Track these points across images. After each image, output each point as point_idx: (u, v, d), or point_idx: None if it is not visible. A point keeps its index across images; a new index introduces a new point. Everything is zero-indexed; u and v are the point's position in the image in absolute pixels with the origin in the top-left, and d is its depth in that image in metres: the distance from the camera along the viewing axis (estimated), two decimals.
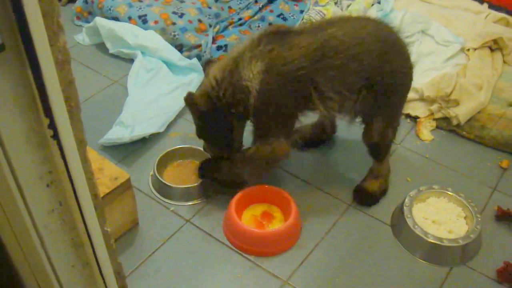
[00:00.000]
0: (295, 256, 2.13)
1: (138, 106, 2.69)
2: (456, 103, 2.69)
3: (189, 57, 3.02)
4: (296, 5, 3.47)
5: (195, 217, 2.26)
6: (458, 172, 2.51)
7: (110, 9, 3.20)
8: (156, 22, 3.10)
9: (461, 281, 2.06)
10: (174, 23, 3.11)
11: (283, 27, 2.10)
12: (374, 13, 3.31)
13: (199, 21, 3.20)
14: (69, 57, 0.97)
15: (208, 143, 2.32)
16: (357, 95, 2.06)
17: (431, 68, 2.97)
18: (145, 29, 3.09)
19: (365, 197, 2.34)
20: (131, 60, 3.04)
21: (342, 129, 2.62)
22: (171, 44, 3.05)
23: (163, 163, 2.42)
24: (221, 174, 2.28)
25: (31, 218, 1.05)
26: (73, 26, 3.38)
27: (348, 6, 3.42)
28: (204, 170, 2.32)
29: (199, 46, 3.06)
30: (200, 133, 2.25)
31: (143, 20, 3.12)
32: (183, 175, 2.41)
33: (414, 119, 2.79)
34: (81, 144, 1.06)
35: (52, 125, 0.96)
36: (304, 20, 3.32)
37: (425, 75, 2.90)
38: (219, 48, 3.03)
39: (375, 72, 2.03)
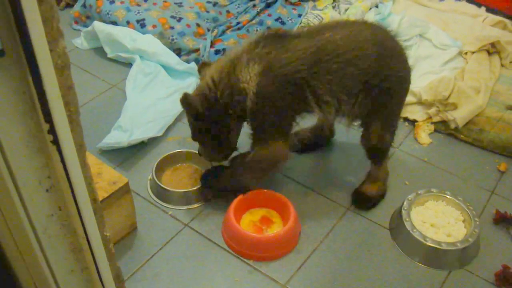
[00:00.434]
0: (294, 260, 2.13)
1: (136, 110, 2.69)
2: (454, 106, 2.70)
3: (187, 61, 3.02)
4: (294, 9, 3.48)
5: (194, 221, 2.26)
6: (456, 176, 2.51)
7: (108, 14, 3.21)
8: (154, 26, 3.11)
9: (460, 285, 2.06)
10: (172, 27, 3.12)
11: (281, 30, 2.10)
12: (372, 16, 3.31)
13: (197, 25, 3.20)
14: (68, 62, 0.97)
15: (203, 146, 2.30)
16: (355, 99, 2.06)
17: (429, 72, 2.98)
18: (143, 33, 3.09)
19: (364, 201, 2.34)
20: (129, 64, 3.04)
21: (341, 132, 2.63)
22: (169, 48, 3.05)
23: (161, 167, 2.41)
24: (224, 182, 2.28)
25: (30, 222, 1.05)
26: (71, 31, 3.38)
27: (346, 10, 3.43)
28: (207, 180, 2.31)
29: (197, 50, 3.06)
30: (196, 135, 2.24)
31: (141, 24, 3.13)
32: (181, 179, 2.41)
33: (412, 122, 2.79)
34: (81, 149, 1.07)
35: (52, 130, 0.96)
36: (302, 24, 3.32)
37: (423, 79, 2.91)
38: (217, 52, 3.03)
39: (372, 76, 2.03)
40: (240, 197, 2.21)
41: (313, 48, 1.98)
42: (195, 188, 2.32)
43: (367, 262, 2.13)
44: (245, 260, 2.12)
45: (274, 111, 2.03)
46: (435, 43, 3.17)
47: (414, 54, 3.07)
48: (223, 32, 3.23)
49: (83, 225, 1.14)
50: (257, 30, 3.26)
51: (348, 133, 2.50)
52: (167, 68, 2.98)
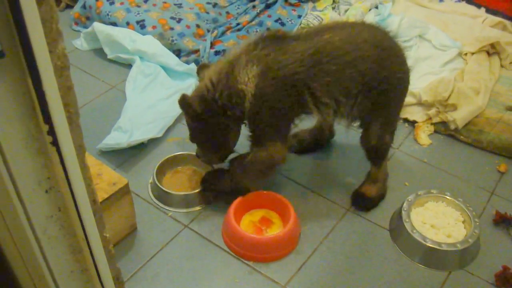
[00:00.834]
0: (293, 261, 2.13)
1: (136, 111, 2.69)
2: (454, 107, 2.70)
3: (187, 62, 3.02)
4: (294, 10, 3.48)
5: (194, 222, 2.26)
6: (456, 177, 2.51)
7: (108, 15, 3.21)
8: (154, 27, 3.11)
9: (460, 286, 2.06)
10: (172, 28, 3.12)
11: (280, 31, 2.10)
12: (371, 18, 3.31)
13: (197, 26, 3.21)
14: (68, 64, 0.97)
15: (201, 147, 2.31)
16: (354, 100, 2.06)
17: (428, 73, 2.98)
18: (143, 34, 3.09)
19: (363, 202, 2.34)
20: (129, 65, 3.04)
21: (340, 133, 2.63)
22: (169, 49, 3.06)
23: (161, 170, 2.41)
24: (224, 184, 2.28)
25: (30, 223, 1.05)
26: (71, 32, 3.38)
27: (346, 11, 3.43)
28: (207, 183, 2.31)
29: (197, 51, 3.06)
30: (194, 137, 2.24)
31: (141, 25, 3.13)
32: (182, 182, 2.41)
33: (412, 123, 2.79)
34: (80, 150, 1.06)
35: (52, 132, 0.96)
36: (302, 25, 3.33)
37: (423, 80, 2.91)
38: (217, 53, 3.04)
39: (371, 77, 2.03)
40: (240, 198, 2.21)
41: (311, 49, 1.98)
42: (196, 191, 2.32)
43: (367, 263, 2.13)
44: (245, 261, 2.12)
45: (272, 113, 2.03)
46: (435, 44, 3.17)
47: (414, 55, 3.07)
48: (223, 33, 3.24)
49: (82, 226, 1.14)
50: (257, 31, 3.26)
51: (347, 134, 2.50)
52: (167, 69, 2.98)
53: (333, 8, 3.49)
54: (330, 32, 2.04)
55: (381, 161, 2.29)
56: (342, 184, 2.45)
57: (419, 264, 2.12)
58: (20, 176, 0.99)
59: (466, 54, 3.09)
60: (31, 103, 0.93)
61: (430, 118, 2.75)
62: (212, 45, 3.10)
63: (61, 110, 0.95)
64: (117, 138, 2.53)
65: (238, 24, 3.31)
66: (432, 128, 2.75)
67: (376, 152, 2.25)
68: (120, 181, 2.02)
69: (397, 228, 2.21)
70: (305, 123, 2.34)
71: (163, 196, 2.32)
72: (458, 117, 2.65)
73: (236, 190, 2.24)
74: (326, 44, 2.00)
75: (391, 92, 2.11)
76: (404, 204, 2.22)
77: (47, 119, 0.94)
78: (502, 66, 3.08)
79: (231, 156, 2.35)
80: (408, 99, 2.79)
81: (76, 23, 3.42)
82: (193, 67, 2.96)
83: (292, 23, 3.36)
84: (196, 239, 2.20)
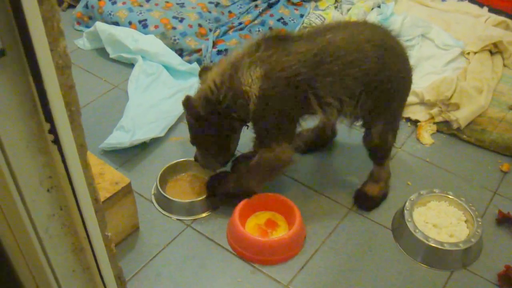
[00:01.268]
0: (296, 261, 2.12)
1: (138, 110, 2.69)
2: (457, 106, 2.69)
3: (190, 62, 3.02)
4: (296, 10, 3.48)
5: (196, 222, 2.25)
6: (458, 176, 2.51)
7: (110, 14, 3.21)
8: (156, 26, 3.11)
9: (462, 285, 2.06)
10: (174, 28, 3.12)
11: (282, 32, 2.10)
12: (374, 17, 3.31)
13: (200, 25, 3.20)
14: (69, 62, 0.97)
15: (201, 151, 2.29)
16: (356, 100, 2.06)
17: (431, 72, 2.98)
18: (146, 33, 3.09)
19: (366, 201, 2.34)
20: (131, 65, 3.04)
21: (343, 132, 2.62)
22: (172, 48, 3.06)
23: (163, 178, 2.37)
24: (229, 187, 2.27)
25: (31, 222, 1.05)
26: (73, 31, 3.38)
27: (348, 10, 3.42)
28: (212, 186, 2.30)
29: (200, 50, 3.06)
30: (195, 139, 2.23)
31: (143, 25, 3.13)
32: (185, 189, 2.38)
33: (415, 123, 2.79)
34: (82, 148, 1.06)
35: (53, 130, 0.96)
36: (305, 25, 3.32)
37: (425, 79, 2.90)
38: (219, 52, 3.03)
39: (373, 77, 2.03)
40: (245, 200, 2.20)
41: (314, 50, 1.98)
42: (202, 197, 2.29)
43: (369, 262, 2.13)
44: (248, 260, 2.12)
45: (277, 114, 2.03)
46: (438, 43, 3.16)
47: (416, 55, 3.06)
48: (225, 32, 3.23)
49: (84, 225, 1.14)
50: (259, 31, 3.26)
51: (350, 133, 2.49)
52: (169, 69, 2.98)
53: (336, 8, 3.49)
54: (332, 32, 2.04)
55: (384, 160, 2.29)
56: (344, 184, 2.45)
57: (422, 263, 2.12)
58: (21, 175, 0.99)
59: (468, 53, 3.08)
60: (32, 101, 0.93)
61: (432, 118, 2.75)
62: (214, 44, 3.10)
63: (62, 108, 0.95)
64: (119, 138, 2.53)
65: (240, 23, 3.30)
66: (434, 127, 2.74)
67: (379, 151, 2.25)
68: (123, 181, 2.02)
69: (400, 227, 2.20)
70: (307, 123, 2.33)
71: (169, 205, 2.29)
72: (461, 117, 2.65)
73: (243, 192, 2.24)
74: (328, 44, 2.00)
75: (394, 91, 2.10)
76: (407, 204, 2.22)
77: (49, 117, 0.94)
78: (504, 65, 3.07)
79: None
80: (411, 98, 2.78)
81: (79, 23, 3.42)
82: (195, 66, 2.96)
83: (294, 22, 3.36)
84: (199, 238, 2.19)
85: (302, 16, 3.42)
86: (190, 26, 3.17)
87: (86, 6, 3.36)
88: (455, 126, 2.68)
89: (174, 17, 3.18)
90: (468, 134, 2.68)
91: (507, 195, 2.42)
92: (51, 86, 0.92)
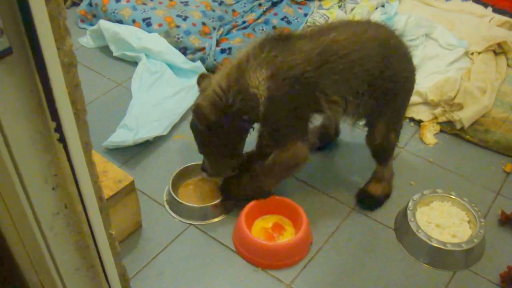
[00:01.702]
0: None
1: (142, 108, 2.69)
2: (460, 107, 2.69)
3: (193, 60, 3.02)
4: (300, 8, 3.48)
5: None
6: (461, 176, 2.51)
7: (114, 12, 3.21)
8: (160, 25, 3.11)
9: (464, 286, 2.06)
10: (178, 26, 3.12)
11: (285, 32, 2.09)
12: (378, 16, 3.31)
13: (203, 24, 3.20)
14: (75, 61, 0.97)
15: (212, 158, 2.25)
16: (360, 99, 2.06)
17: (435, 72, 2.97)
18: (149, 32, 3.09)
19: (369, 201, 2.34)
20: (135, 63, 3.04)
21: (346, 132, 2.62)
22: (175, 47, 3.05)
23: (174, 185, 2.35)
24: (245, 189, 2.26)
25: (36, 220, 1.05)
26: (77, 29, 3.38)
27: (352, 9, 3.42)
28: (227, 189, 2.29)
29: (203, 49, 3.06)
30: (206, 147, 2.19)
31: (147, 23, 3.13)
32: (198, 194, 2.36)
33: (418, 122, 2.78)
34: (87, 147, 1.07)
35: (59, 129, 0.96)
36: (308, 23, 3.32)
37: (429, 79, 2.90)
38: (223, 51, 3.03)
39: (376, 76, 2.03)
40: (252, 202, 2.19)
41: (318, 49, 1.98)
42: (217, 201, 2.28)
43: (371, 262, 2.13)
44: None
45: (288, 114, 2.02)
46: (441, 43, 3.16)
47: (420, 54, 3.06)
48: (229, 31, 3.23)
49: (89, 223, 1.14)
50: (263, 29, 3.26)
51: (353, 133, 2.49)
52: (172, 67, 2.98)
53: (339, 7, 3.49)
54: (335, 31, 2.03)
55: (387, 160, 2.29)
56: (347, 183, 2.45)
57: (424, 263, 2.12)
58: (27, 173, 0.99)
59: (472, 53, 3.08)
60: (39, 100, 0.94)
61: (436, 118, 2.75)
62: (218, 43, 3.10)
63: (68, 107, 0.96)
64: (122, 136, 2.53)
65: (244, 22, 3.30)
66: (438, 127, 2.74)
67: (382, 151, 2.25)
68: (126, 179, 2.02)
69: (402, 227, 2.20)
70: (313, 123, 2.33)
71: (185, 211, 2.26)
72: (464, 117, 2.65)
73: (259, 193, 2.23)
74: (332, 43, 1.99)
75: (397, 90, 2.10)
76: (410, 204, 2.22)
77: (55, 116, 0.94)
78: (508, 65, 3.07)
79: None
80: (414, 98, 2.78)
81: (82, 21, 3.42)
82: (199, 65, 2.96)
83: (298, 21, 3.36)
84: (201, 237, 2.20)
85: (306, 15, 3.42)
86: (194, 24, 3.17)
87: (90, 4, 3.36)
88: (458, 126, 2.68)
89: (178, 16, 3.18)
90: (471, 135, 2.68)
91: (510, 196, 2.42)
92: (57, 84, 0.92)
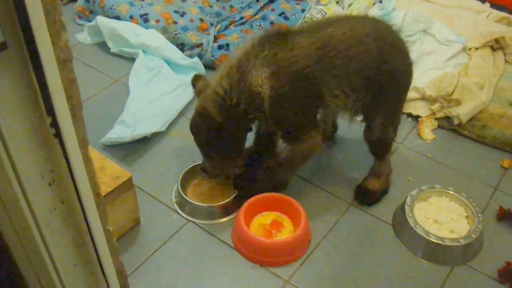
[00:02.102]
0: None
1: (139, 105, 2.69)
2: (458, 102, 2.69)
3: (191, 56, 3.02)
4: (298, 4, 3.47)
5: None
6: (459, 172, 2.51)
7: (111, 8, 3.20)
8: (157, 21, 3.10)
9: (462, 281, 2.06)
10: (175, 22, 3.11)
11: (282, 28, 2.09)
12: (375, 12, 3.30)
13: (201, 20, 3.20)
14: (71, 56, 0.97)
15: (218, 159, 2.20)
16: (358, 93, 2.06)
17: (432, 68, 2.97)
18: (147, 28, 3.09)
19: (367, 196, 2.34)
20: (132, 59, 3.04)
21: (344, 127, 2.62)
22: (173, 43, 3.05)
23: (182, 185, 2.32)
24: (262, 183, 2.26)
25: (33, 216, 1.05)
26: (74, 25, 3.38)
27: (350, 5, 3.42)
28: (241, 185, 2.29)
29: (201, 45, 3.06)
30: (211, 150, 2.16)
31: (144, 19, 3.13)
32: (208, 193, 2.34)
33: (416, 118, 2.78)
34: (83, 142, 1.06)
35: (54, 124, 0.96)
36: (306, 19, 3.32)
37: (427, 75, 2.90)
38: (220, 47, 3.03)
39: (374, 71, 2.03)
40: (252, 199, 2.19)
41: (317, 44, 1.98)
42: (230, 198, 2.27)
43: (370, 258, 2.13)
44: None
45: (295, 109, 2.03)
46: (439, 38, 3.16)
47: (418, 50, 3.06)
48: (227, 27, 3.23)
49: (85, 219, 1.14)
50: (260, 25, 3.25)
51: (351, 128, 2.49)
52: (170, 63, 2.97)
53: (337, 2, 3.48)
54: (333, 26, 2.03)
55: (384, 155, 2.29)
56: (345, 179, 2.45)
57: (422, 259, 2.12)
58: (23, 169, 0.98)
59: (470, 49, 3.08)
60: (34, 95, 0.93)
61: (433, 113, 2.75)
62: (215, 39, 3.09)
63: (64, 102, 0.95)
64: (120, 132, 2.53)
65: (241, 18, 3.30)
66: (435, 123, 2.74)
67: (379, 146, 2.25)
68: (124, 175, 2.02)
69: (400, 223, 2.20)
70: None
71: (197, 211, 2.25)
72: (462, 112, 2.65)
73: (275, 187, 2.26)
74: (330, 38, 2.00)
75: (394, 85, 2.11)
76: (407, 199, 2.22)
77: (50, 111, 0.94)
78: (506, 61, 3.07)
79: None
80: (412, 94, 2.78)
81: (80, 17, 3.42)
82: (196, 61, 2.95)
83: (295, 17, 3.36)
84: (199, 233, 2.20)
85: (303, 11, 3.42)
86: (192, 20, 3.16)
87: (87, 0, 3.36)
88: (456, 121, 2.68)
89: (176, 12, 3.18)
90: (469, 130, 2.68)
91: (507, 191, 2.42)
92: (52, 79, 0.92)
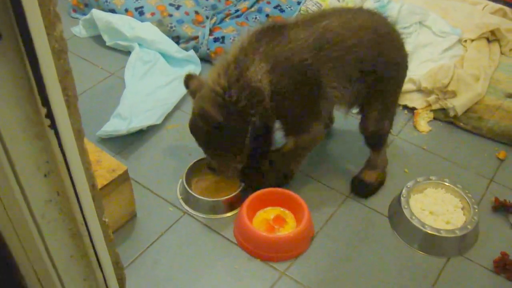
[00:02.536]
0: None
1: (135, 98, 2.68)
2: (453, 94, 2.69)
3: (186, 49, 3.01)
4: None
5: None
6: (455, 163, 2.51)
7: (106, 1, 3.19)
8: (152, 14, 3.10)
9: (458, 272, 2.07)
10: (170, 15, 3.11)
11: (278, 22, 2.08)
12: (371, 4, 3.30)
13: (196, 12, 3.19)
14: (66, 47, 0.97)
15: (222, 158, 2.18)
16: (353, 86, 2.06)
17: (428, 60, 2.97)
18: (142, 21, 3.08)
19: (363, 188, 2.34)
20: (128, 52, 3.03)
21: (339, 120, 2.62)
22: (168, 36, 3.04)
23: (187, 180, 2.32)
24: (270, 176, 2.27)
25: (28, 208, 1.05)
26: (69, 19, 3.37)
27: None
28: (249, 180, 2.29)
29: (196, 37, 3.05)
30: (215, 149, 2.14)
31: (139, 12, 3.12)
32: (213, 188, 2.34)
33: (412, 110, 2.79)
34: (79, 134, 1.06)
35: (50, 115, 0.96)
36: (301, 12, 3.31)
37: (422, 67, 2.90)
38: (216, 39, 3.03)
39: (369, 63, 2.03)
40: (255, 194, 2.18)
41: (312, 36, 1.98)
42: (237, 192, 2.27)
43: (366, 249, 2.14)
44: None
45: (297, 103, 2.03)
46: (435, 30, 3.16)
47: (414, 42, 3.06)
48: (222, 19, 3.22)
49: (81, 210, 1.14)
50: (256, 18, 3.25)
51: (347, 121, 2.49)
52: (166, 56, 2.97)
53: None
54: (327, 19, 2.03)
55: (380, 147, 2.29)
56: (341, 171, 2.45)
57: (418, 250, 2.13)
58: (18, 160, 0.98)
59: (466, 41, 3.08)
60: (29, 86, 0.93)
61: (429, 105, 2.75)
62: (211, 31, 3.09)
63: (59, 93, 0.95)
64: (116, 125, 2.53)
65: (237, 10, 3.29)
66: (431, 115, 2.74)
67: (375, 138, 2.25)
68: (120, 168, 2.02)
69: (396, 214, 2.21)
70: None
71: (204, 206, 2.24)
72: (458, 104, 2.65)
73: (285, 178, 2.29)
74: (325, 30, 1.99)
75: (389, 77, 2.11)
76: (403, 191, 2.23)
77: (45, 102, 0.94)
78: (502, 53, 3.07)
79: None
80: (408, 86, 2.78)
81: (75, 10, 3.41)
82: (192, 54, 2.95)
83: (291, 9, 3.35)
84: (196, 225, 2.20)
85: (299, 3, 3.41)
86: (187, 13, 3.15)
87: None
88: (452, 113, 2.68)
89: (171, 4, 3.17)
90: (465, 122, 2.68)
91: (503, 183, 2.43)
92: (47, 70, 0.91)
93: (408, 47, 2.18)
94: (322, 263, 2.08)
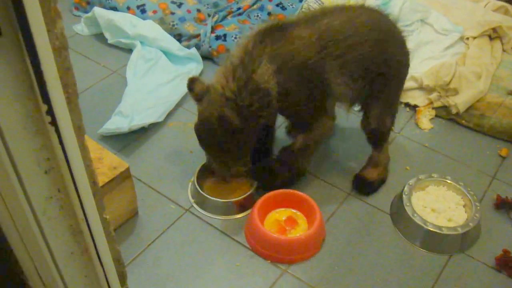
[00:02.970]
0: None
1: (137, 96, 2.68)
2: (455, 91, 2.69)
3: (188, 47, 3.01)
4: None
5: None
6: (457, 161, 2.51)
7: None
8: (154, 12, 3.10)
9: (460, 269, 2.07)
10: (172, 13, 3.11)
11: (279, 21, 2.07)
12: (373, 1, 3.29)
13: (198, 10, 3.19)
14: (66, 44, 0.97)
15: (228, 161, 2.16)
16: (356, 83, 2.06)
17: (430, 57, 2.97)
18: (144, 19, 3.08)
19: (364, 186, 2.34)
20: (130, 50, 3.03)
21: (341, 117, 2.62)
22: (170, 33, 3.04)
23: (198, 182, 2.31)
24: (282, 175, 2.28)
25: (29, 204, 1.05)
26: (71, 17, 3.37)
27: None
28: (261, 179, 2.29)
29: (198, 35, 3.06)
30: (223, 154, 2.11)
31: (141, 10, 3.12)
32: (225, 189, 2.32)
33: (413, 108, 2.78)
34: (80, 130, 1.06)
35: (50, 112, 0.96)
36: (303, 9, 3.31)
37: (424, 64, 2.90)
38: (218, 37, 3.02)
39: (371, 61, 2.03)
40: (267, 195, 2.18)
41: (316, 34, 1.98)
42: (249, 192, 2.26)
43: (368, 247, 2.14)
44: (246, 245, 2.12)
45: (305, 101, 2.03)
46: (437, 28, 3.15)
47: (415, 39, 3.05)
48: (224, 17, 3.22)
49: (82, 207, 1.14)
50: (258, 16, 3.25)
51: (348, 118, 2.49)
52: (167, 54, 2.97)
53: None
54: (329, 17, 2.03)
55: (382, 144, 2.29)
56: (343, 168, 2.45)
57: (420, 248, 2.13)
58: (19, 157, 0.98)
59: (467, 38, 3.07)
60: (30, 83, 0.93)
61: (431, 103, 2.75)
62: (213, 29, 3.09)
63: (59, 90, 0.95)
64: (118, 123, 2.53)
65: (239, 8, 3.29)
66: (433, 112, 2.74)
67: (377, 135, 2.25)
68: (121, 165, 2.02)
69: (398, 212, 2.21)
70: None
71: (220, 208, 2.24)
72: (460, 102, 2.65)
73: (298, 175, 2.31)
74: (327, 29, 2.00)
75: (391, 75, 2.11)
76: (405, 188, 2.22)
77: (46, 99, 0.94)
78: (504, 50, 3.07)
79: None
80: (410, 83, 2.78)
81: (77, 8, 3.41)
82: (194, 51, 2.95)
83: (293, 7, 3.35)
84: (197, 223, 2.20)
85: (301, 0, 3.40)
86: (189, 11, 3.15)
87: None
88: (454, 111, 2.68)
89: (173, 2, 3.17)
90: (467, 119, 2.68)
91: (505, 180, 2.42)
92: (48, 67, 0.91)
93: (410, 44, 2.17)
94: (323, 259, 2.08)
